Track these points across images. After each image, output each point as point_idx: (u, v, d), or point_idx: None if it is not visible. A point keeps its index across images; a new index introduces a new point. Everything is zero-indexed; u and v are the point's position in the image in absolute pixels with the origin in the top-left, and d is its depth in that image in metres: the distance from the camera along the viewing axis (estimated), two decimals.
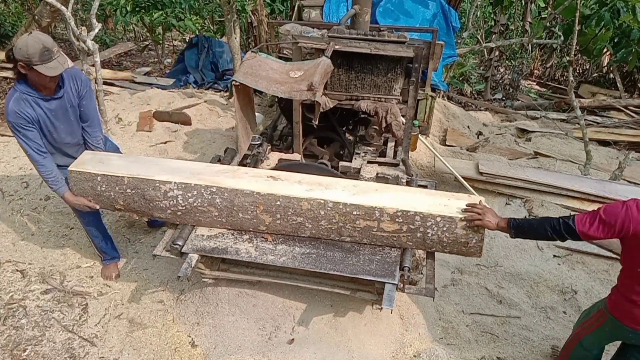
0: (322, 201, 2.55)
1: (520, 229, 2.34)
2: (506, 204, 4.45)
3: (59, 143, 2.77)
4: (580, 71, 9.97)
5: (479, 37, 9.77)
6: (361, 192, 2.62)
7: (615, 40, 7.84)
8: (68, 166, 2.71)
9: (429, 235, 2.54)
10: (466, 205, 2.52)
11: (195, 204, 2.64)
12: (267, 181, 2.67)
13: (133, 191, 2.66)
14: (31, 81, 2.55)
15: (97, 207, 2.77)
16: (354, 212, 2.55)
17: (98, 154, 2.84)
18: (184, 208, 2.66)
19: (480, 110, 7.94)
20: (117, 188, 2.67)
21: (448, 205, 2.55)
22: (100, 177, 2.66)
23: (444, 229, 2.51)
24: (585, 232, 2.16)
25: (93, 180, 2.67)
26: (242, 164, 3.24)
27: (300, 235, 2.69)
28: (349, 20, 3.37)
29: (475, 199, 2.61)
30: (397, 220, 2.53)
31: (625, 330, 2.32)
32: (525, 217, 4.26)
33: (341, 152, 3.79)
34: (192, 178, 2.64)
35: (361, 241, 2.67)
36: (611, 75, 9.15)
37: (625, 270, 2.28)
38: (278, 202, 2.58)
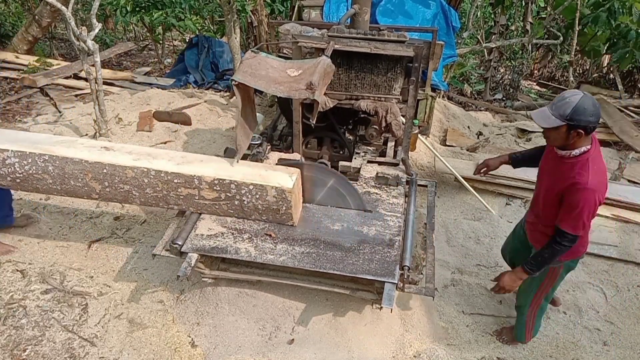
0: (146, 169, 2.70)
1: (538, 268, 2.53)
2: (506, 204, 4.45)
3: None
4: (580, 71, 9.96)
5: (479, 37, 9.77)
6: (186, 162, 2.79)
7: (613, 41, 7.84)
8: None
9: (245, 202, 2.73)
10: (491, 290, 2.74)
11: (30, 172, 2.80)
12: (99, 151, 2.83)
13: None
14: None
15: None
16: (175, 180, 2.70)
17: None
18: (21, 175, 2.82)
19: (480, 110, 7.94)
20: None
21: (263, 175, 2.72)
22: None
23: (257, 196, 2.69)
24: (586, 229, 2.37)
25: None
26: None
27: (168, 207, 2.87)
28: (349, 19, 3.37)
29: (290, 171, 2.78)
30: (215, 188, 2.70)
31: (576, 261, 2.64)
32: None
33: (341, 152, 3.78)
34: (29, 147, 2.79)
35: (188, 209, 2.83)
36: (611, 76, 9.15)
37: None
38: (105, 170, 2.73)
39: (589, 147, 2.28)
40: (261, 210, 2.76)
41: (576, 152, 2.29)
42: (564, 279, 3.54)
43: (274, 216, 2.79)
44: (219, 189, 2.71)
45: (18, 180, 2.86)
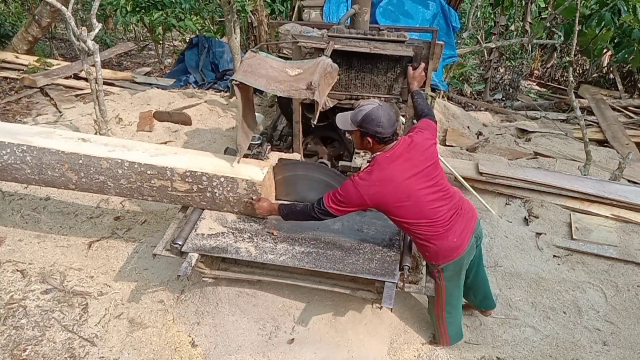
0: (120, 160, 2.74)
1: (288, 215, 2.64)
2: (506, 204, 4.45)
3: None
4: (580, 71, 9.96)
5: (478, 37, 9.77)
6: (160, 154, 2.83)
7: (616, 41, 7.84)
8: None
9: (217, 194, 2.77)
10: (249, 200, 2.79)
11: (9, 161, 2.84)
12: (76, 142, 2.88)
13: None
14: None
15: None
16: (148, 172, 2.74)
17: None
18: (0, 165, 2.86)
19: (480, 110, 7.94)
20: None
21: (234, 167, 2.76)
22: None
23: (228, 188, 2.73)
24: (336, 210, 2.41)
25: None
26: None
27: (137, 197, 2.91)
28: (349, 20, 3.37)
29: (261, 164, 2.86)
30: (187, 180, 2.74)
31: (459, 263, 2.56)
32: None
33: (341, 152, 3.79)
34: (7, 137, 2.83)
35: (162, 201, 2.90)
36: (611, 76, 9.15)
37: (418, 226, 2.44)
38: (80, 161, 2.78)
39: (379, 153, 2.40)
40: (232, 202, 2.81)
41: (370, 157, 2.46)
42: (561, 279, 3.55)
43: (245, 208, 2.83)
44: (191, 180, 2.75)
45: None
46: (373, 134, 2.34)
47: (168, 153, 2.86)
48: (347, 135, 3.83)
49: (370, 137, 2.36)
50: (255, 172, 2.76)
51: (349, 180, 2.39)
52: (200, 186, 2.77)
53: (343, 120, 2.46)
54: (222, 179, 2.72)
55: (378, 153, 2.41)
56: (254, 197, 2.75)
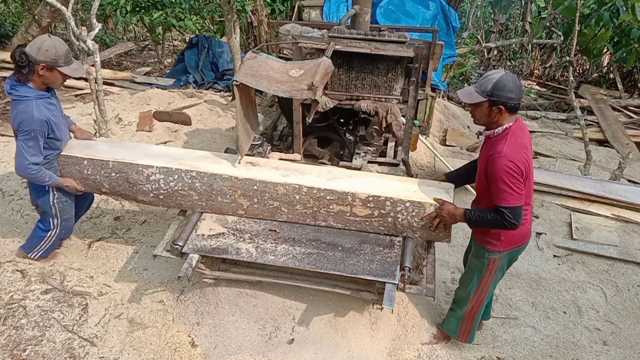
0: (297, 186, 2.65)
1: (477, 223, 2.51)
2: None
3: (61, 141, 2.81)
4: (580, 71, 9.96)
5: (478, 37, 9.77)
6: (335, 178, 2.74)
7: (615, 40, 7.84)
8: None
9: (399, 220, 2.65)
10: (428, 219, 2.63)
11: (176, 188, 2.76)
12: (245, 167, 2.80)
13: (117, 175, 2.78)
14: (43, 83, 2.61)
15: (83, 189, 2.90)
16: (328, 197, 2.65)
17: (84, 141, 2.97)
18: (165, 192, 2.78)
19: None
20: (102, 172, 2.79)
21: (417, 191, 2.66)
22: (87, 161, 2.79)
23: (413, 213, 2.61)
24: (517, 196, 2.27)
25: (80, 164, 2.80)
26: None
27: (282, 220, 2.80)
28: (349, 20, 3.37)
29: (445, 186, 2.75)
30: (368, 205, 2.64)
31: (517, 252, 2.60)
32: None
33: (341, 152, 3.78)
34: (173, 162, 2.76)
35: (335, 226, 2.77)
36: (611, 76, 9.14)
37: None
38: (255, 187, 2.69)
39: (511, 124, 2.33)
40: (416, 227, 2.67)
41: (499, 130, 2.35)
42: (561, 279, 3.55)
43: (429, 234, 2.69)
44: (372, 205, 2.64)
45: (161, 197, 2.82)
46: (505, 101, 2.24)
47: (343, 176, 2.77)
48: (348, 135, 3.83)
49: (502, 106, 2.25)
50: (442, 195, 2.64)
51: (497, 159, 2.25)
52: (382, 211, 2.63)
53: (467, 94, 2.35)
54: (407, 204, 2.59)
55: (509, 124, 2.32)
56: (437, 198, 2.63)
